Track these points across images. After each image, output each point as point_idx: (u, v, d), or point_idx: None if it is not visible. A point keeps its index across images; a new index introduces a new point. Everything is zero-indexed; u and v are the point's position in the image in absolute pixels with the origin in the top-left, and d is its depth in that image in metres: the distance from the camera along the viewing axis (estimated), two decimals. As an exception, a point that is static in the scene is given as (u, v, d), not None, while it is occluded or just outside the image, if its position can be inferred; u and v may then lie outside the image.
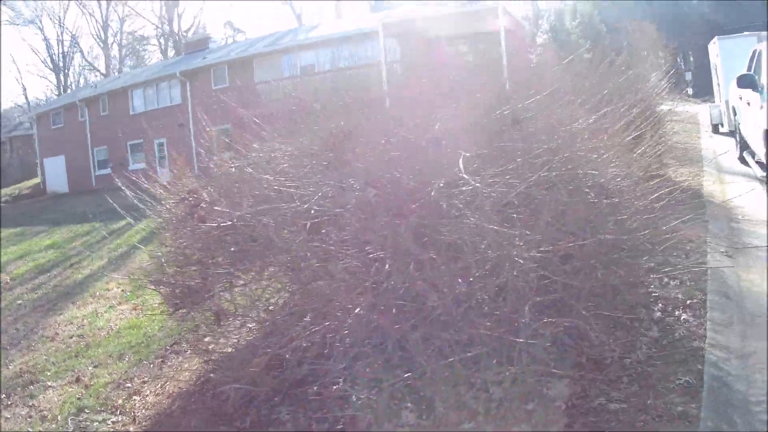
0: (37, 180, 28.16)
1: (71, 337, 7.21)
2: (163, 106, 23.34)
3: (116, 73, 36.07)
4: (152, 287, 4.38)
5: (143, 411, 4.61)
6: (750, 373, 3.23)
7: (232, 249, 4.00)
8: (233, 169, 4.01)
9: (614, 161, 4.09)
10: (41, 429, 4.75)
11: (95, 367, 6.01)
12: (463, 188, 3.27)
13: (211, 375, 4.21)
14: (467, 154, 3.43)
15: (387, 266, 3.09)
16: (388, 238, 3.05)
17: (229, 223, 3.80)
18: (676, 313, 3.99)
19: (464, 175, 3.26)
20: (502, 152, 3.82)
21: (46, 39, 44.96)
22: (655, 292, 4.29)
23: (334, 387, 3.41)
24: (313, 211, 3.50)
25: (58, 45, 38.91)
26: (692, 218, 5.71)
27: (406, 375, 3.13)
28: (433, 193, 2.99)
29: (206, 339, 4.15)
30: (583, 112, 4.81)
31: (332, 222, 3.41)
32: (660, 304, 4.11)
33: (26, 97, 40.59)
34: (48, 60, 38.82)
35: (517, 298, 2.99)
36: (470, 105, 4.46)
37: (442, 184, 3.18)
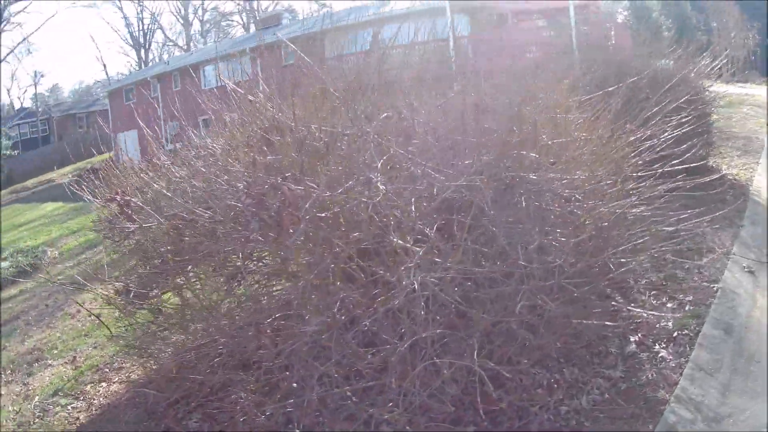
0: (111, 154, 30.01)
1: (90, 316, 7.54)
2: (234, 82, 23.78)
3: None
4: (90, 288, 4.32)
5: (100, 399, 4.66)
6: (715, 447, 2.55)
7: (168, 247, 3.82)
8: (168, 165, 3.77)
9: (590, 159, 3.42)
10: (18, 408, 4.93)
11: (94, 348, 6.22)
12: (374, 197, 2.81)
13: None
14: (398, 151, 2.95)
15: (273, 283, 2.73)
16: (272, 252, 2.69)
17: (155, 224, 3.59)
18: (656, 347, 3.30)
19: (371, 176, 2.80)
20: (448, 148, 3.29)
21: (125, 17, 47.40)
22: (639, 318, 3.60)
23: (247, 401, 3.19)
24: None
25: (138, 23, 40.63)
26: (722, 221, 4.86)
27: (289, 401, 2.80)
28: (307, 206, 2.56)
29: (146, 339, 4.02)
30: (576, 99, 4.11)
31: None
32: (639, 334, 3.43)
33: (107, 73, 42.54)
34: (128, 37, 40.37)
35: (410, 328, 2.52)
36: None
37: (342, 190, 2.74)
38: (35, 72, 45.86)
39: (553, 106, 3.90)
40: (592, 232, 2.88)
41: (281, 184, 2.69)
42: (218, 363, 3.04)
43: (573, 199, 2.96)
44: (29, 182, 23.45)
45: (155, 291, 3.95)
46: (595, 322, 2.84)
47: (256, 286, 3.48)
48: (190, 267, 3.63)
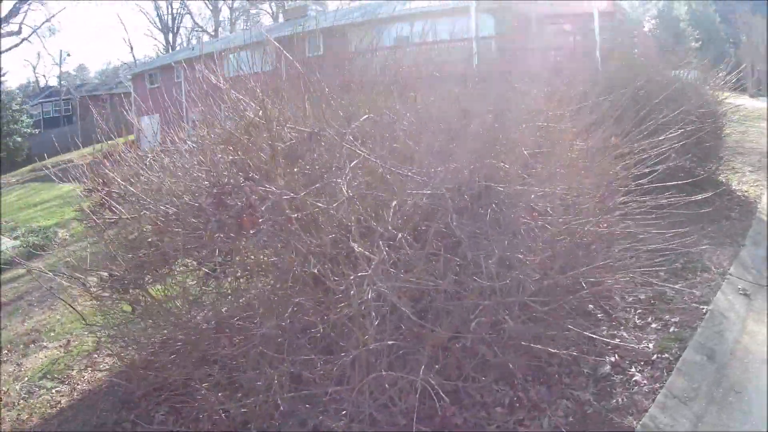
0: (132, 137, 30.38)
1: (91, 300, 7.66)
2: (258, 71, 23.76)
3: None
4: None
5: (83, 385, 4.71)
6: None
7: (149, 240, 3.82)
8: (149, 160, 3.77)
9: (575, 171, 3.29)
10: (7, 388, 5.02)
11: (89, 333, 6.29)
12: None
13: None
14: (364, 154, 2.87)
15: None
16: (232, 253, 2.65)
17: (133, 216, 3.60)
18: (632, 370, 3.17)
19: (338, 181, 2.74)
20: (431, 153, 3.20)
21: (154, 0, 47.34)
22: (618, 337, 3.46)
23: (208, 398, 3.19)
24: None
25: (166, 7, 40.68)
26: (723, 239, 4.69)
27: (248, 401, 2.77)
28: (263, 208, 2.51)
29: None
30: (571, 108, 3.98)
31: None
32: (616, 355, 3.30)
33: (133, 56, 42.64)
34: (156, 21, 40.16)
35: (361, 338, 2.46)
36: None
37: (305, 192, 2.68)
38: (60, 51, 46.54)
39: (545, 114, 3.79)
40: (563, 248, 2.77)
41: (243, 185, 2.65)
42: (179, 359, 3.02)
43: (546, 212, 2.84)
44: (49, 161, 23.87)
45: (135, 283, 3.96)
46: (557, 350, 2.72)
47: (235, 283, 3.46)
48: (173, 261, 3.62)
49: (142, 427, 3.50)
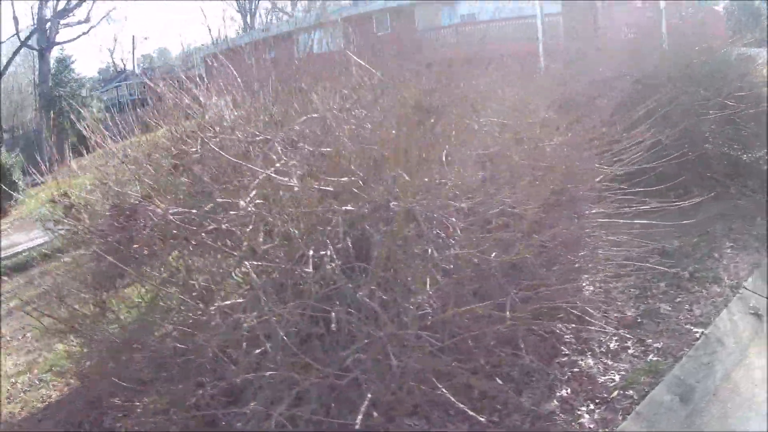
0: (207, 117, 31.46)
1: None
2: (327, 51, 23.87)
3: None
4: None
5: (75, 380, 4.88)
6: None
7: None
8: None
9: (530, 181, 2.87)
10: (17, 380, 5.34)
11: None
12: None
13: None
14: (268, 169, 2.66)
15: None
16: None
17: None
18: (581, 409, 2.72)
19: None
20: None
21: (230, -19, 47.83)
22: (581, 363, 3.01)
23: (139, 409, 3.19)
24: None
25: None
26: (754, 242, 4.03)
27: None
28: (146, 231, 2.36)
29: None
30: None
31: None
32: (569, 389, 2.85)
33: (212, 38, 43.76)
34: (234, 3, 40.38)
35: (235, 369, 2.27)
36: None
37: (202, 211, 2.51)
38: (132, 37, 49.43)
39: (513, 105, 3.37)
40: (476, 273, 2.39)
41: (137, 206, 2.54)
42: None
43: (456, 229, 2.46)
44: (120, 146, 25.22)
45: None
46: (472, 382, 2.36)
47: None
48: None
49: (91, 428, 3.59)
